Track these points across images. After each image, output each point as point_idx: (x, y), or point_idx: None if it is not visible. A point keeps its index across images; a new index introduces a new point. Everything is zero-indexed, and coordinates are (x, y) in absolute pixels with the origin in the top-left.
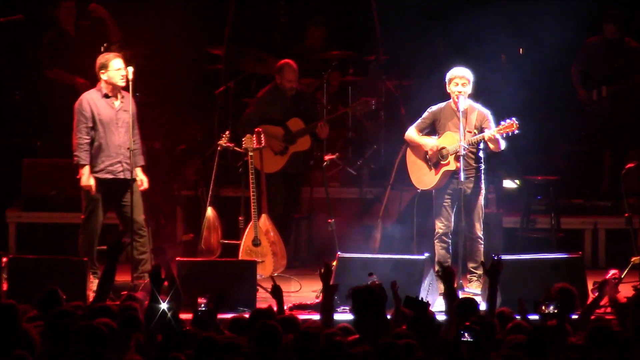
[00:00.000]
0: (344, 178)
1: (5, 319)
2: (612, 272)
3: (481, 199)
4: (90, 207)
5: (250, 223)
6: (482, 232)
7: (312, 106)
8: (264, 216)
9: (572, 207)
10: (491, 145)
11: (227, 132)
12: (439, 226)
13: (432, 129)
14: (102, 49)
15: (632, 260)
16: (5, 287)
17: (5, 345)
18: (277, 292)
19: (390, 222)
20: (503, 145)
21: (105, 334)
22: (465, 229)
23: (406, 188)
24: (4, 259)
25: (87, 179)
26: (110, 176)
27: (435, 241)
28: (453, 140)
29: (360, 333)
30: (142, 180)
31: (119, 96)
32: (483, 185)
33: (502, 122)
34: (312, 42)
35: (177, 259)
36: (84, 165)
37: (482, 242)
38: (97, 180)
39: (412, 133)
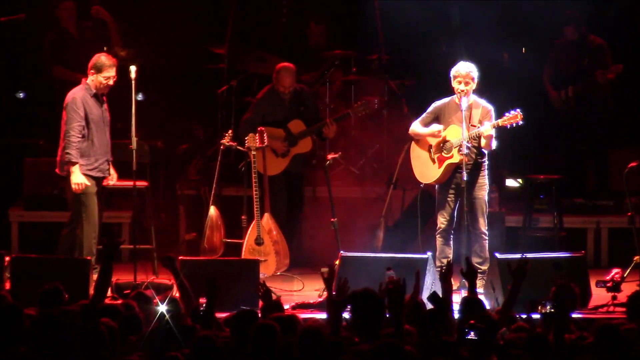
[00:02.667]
0: (347, 177)
1: (9, 320)
2: (614, 271)
3: (485, 194)
4: (89, 207)
5: (253, 222)
6: (486, 228)
7: (313, 106)
8: (266, 215)
9: (574, 206)
10: (483, 142)
11: (230, 131)
12: (441, 221)
13: (436, 123)
14: (105, 49)
15: (635, 259)
16: (7, 286)
17: (9, 344)
18: (266, 296)
19: (393, 221)
20: (494, 144)
21: (104, 333)
22: (469, 225)
23: (409, 187)
24: (7, 258)
25: (79, 176)
26: (101, 174)
27: (437, 236)
28: (457, 134)
29: (359, 334)
30: (112, 175)
31: (103, 96)
32: (487, 181)
33: (507, 114)
34: (313, 40)
35: (179, 258)
36: (75, 163)
37: (487, 238)
38: (92, 178)
39: (416, 127)
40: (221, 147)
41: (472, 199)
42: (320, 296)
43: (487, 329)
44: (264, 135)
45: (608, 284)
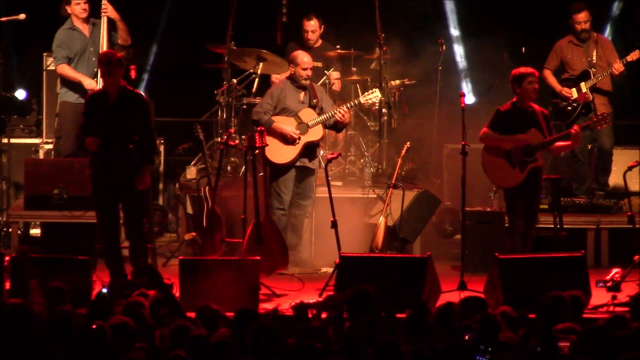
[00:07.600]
0: (347, 177)
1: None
2: (614, 270)
3: None
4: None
5: (253, 221)
6: None
7: (326, 98)
8: (266, 215)
9: (575, 206)
10: (567, 141)
11: (230, 131)
12: (518, 223)
13: (503, 129)
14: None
15: (635, 259)
16: (7, 286)
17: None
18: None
19: (393, 221)
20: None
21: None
22: (527, 227)
23: (409, 187)
24: (7, 258)
25: None
26: (111, 176)
27: (512, 239)
28: (538, 138)
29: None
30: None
31: (119, 96)
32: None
33: (595, 117)
34: (305, 36)
35: (180, 257)
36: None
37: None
38: (102, 178)
39: (489, 134)
40: (221, 147)
41: (536, 201)
42: (320, 296)
43: (487, 328)
44: (264, 135)
45: (608, 284)
